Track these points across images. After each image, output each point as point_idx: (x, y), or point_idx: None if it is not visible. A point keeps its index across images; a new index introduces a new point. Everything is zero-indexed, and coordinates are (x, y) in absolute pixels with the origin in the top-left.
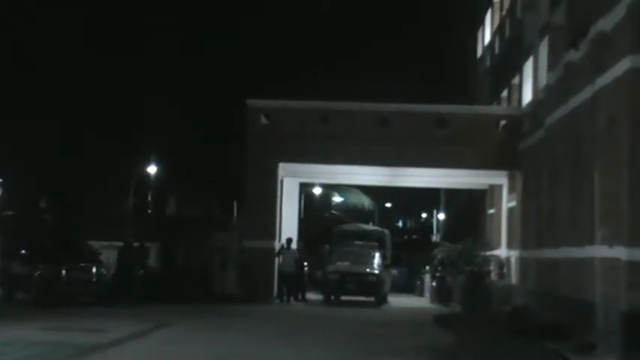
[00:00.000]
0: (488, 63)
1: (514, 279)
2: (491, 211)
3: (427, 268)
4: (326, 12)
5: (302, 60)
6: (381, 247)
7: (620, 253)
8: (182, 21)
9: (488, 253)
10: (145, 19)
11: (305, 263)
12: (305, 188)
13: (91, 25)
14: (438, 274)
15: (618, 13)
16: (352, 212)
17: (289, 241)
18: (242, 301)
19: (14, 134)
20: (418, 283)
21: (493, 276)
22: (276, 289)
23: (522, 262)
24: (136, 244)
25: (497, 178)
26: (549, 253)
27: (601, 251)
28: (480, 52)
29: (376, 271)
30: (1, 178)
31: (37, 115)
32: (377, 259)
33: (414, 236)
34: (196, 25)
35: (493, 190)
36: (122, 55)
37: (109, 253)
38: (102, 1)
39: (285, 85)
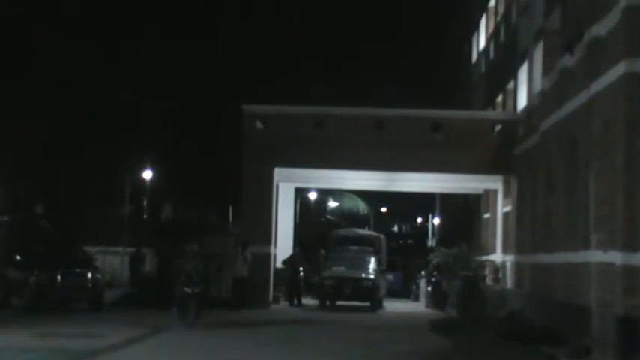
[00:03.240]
0: (483, 68)
1: (509, 284)
2: (487, 215)
3: (423, 272)
4: (320, 18)
5: (298, 64)
6: (376, 252)
7: (615, 257)
8: (176, 24)
9: (484, 257)
10: (140, 21)
11: (301, 268)
12: (300, 193)
13: (86, 29)
14: (433, 279)
15: (613, 18)
16: (348, 217)
17: (245, 244)
18: (238, 306)
19: (9, 139)
20: (414, 287)
21: (488, 281)
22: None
23: (518, 266)
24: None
25: (493, 183)
26: (544, 258)
27: (596, 256)
28: (474, 57)
29: (372, 276)
30: None
31: (32, 120)
32: (372, 264)
33: (410, 241)
34: (190, 28)
35: (488, 195)
36: (117, 58)
37: (104, 258)
38: (97, 3)
39: (280, 90)
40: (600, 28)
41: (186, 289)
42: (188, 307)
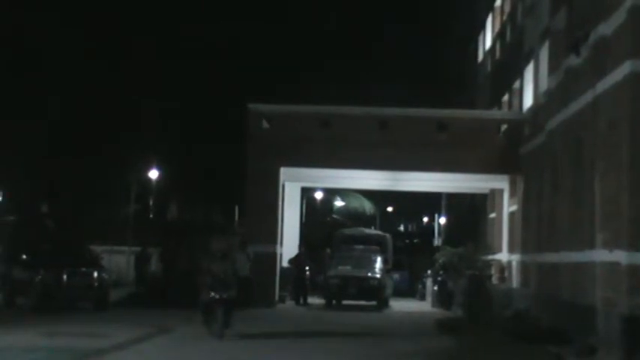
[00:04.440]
0: (489, 67)
1: (515, 283)
2: (493, 215)
3: (429, 272)
4: (328, 17)
5: (303, 64)
6: (382, 252)
7: (621, 257)
8: (184, 24)
9: (490, 257)
10: (145, 21)
11: (307, 267)
12: (306, 193)
13: (92, 27)
14: (439, 278)
15: (618, 18)
16: (354, 216)
17: (244, 243)
18: (243, 306)
19: (14, 139)
20: (420, 287)
21: (494, 280)
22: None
23: (523, 266)
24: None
25: (499, 183)
26: (550, 257)
27: (601, 255)
28: (480, 56)
29: (378, 276)
30: (2, 183)
31: (37, 119)
32: (378, 263)
33: (416, 240)
34: (198, 29)
35: (494, 195)
36: (124, 58)
37: (110, 257)
38: (103, 3)
39: (287, 89)
40: (606, 28)
41: (212, 293)
42: (215, 314)
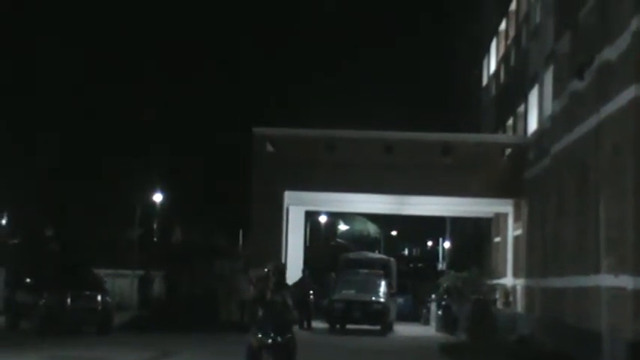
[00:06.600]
0: (493, 91)
1: (520, 308)
2: (497, 239)
3: (433, 296)
4: (330, 41)
5: (308, 87)
6: (386, 276)
7: (626, 282)
8: (188, 47)
9: (494, 281)
10: (151, 46)
11: (311, 291)
12: (311, 216)
13: (100, 50)
14: (443, 303)
15: (623, 42)
16: (358, 240)
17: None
18: (244, 330)
19: (20, 162)
20: (424, 311)
21: (499, 305)
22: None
23: (528, 290)
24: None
25: (503, 207)
26: (555, 282)
27: (607, 280)
28: (485, 80)
29: (382, 300)
30: (7, 206)
31: (42, 142)
32: (382, 287)
33: (420, 264)
34: (203, 53)
35: (499, 219)
36: (127, 83)
37: (114, 281)
38: (113, 25)
39: (291, 113)
40: (611, 52)
41: (260, 336)
42: None
